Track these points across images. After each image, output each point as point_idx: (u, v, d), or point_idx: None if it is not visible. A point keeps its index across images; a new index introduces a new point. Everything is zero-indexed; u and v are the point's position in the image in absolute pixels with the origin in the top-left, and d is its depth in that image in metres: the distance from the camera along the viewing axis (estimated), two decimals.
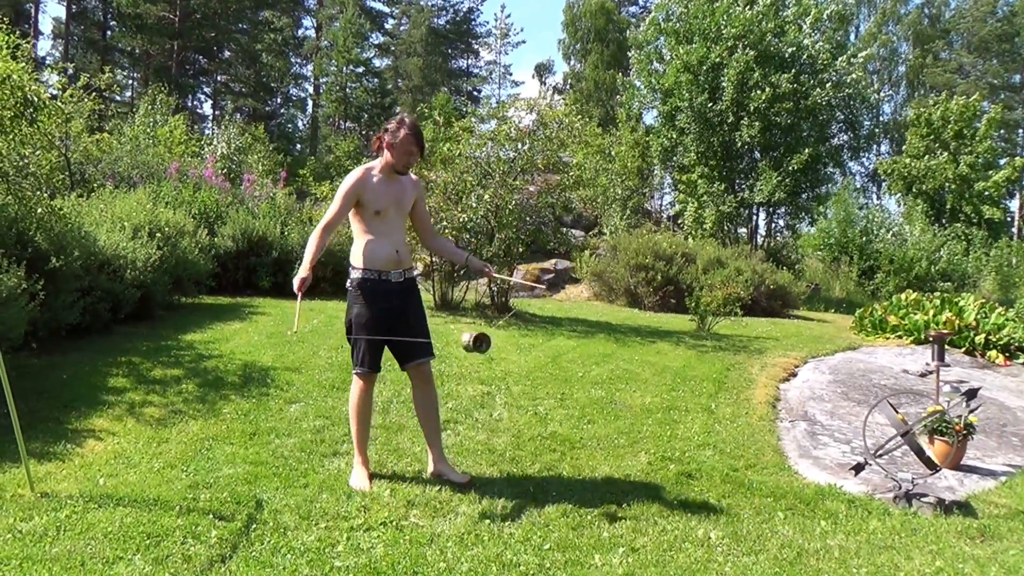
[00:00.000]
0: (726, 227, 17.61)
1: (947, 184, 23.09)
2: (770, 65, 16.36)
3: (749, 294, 11.17)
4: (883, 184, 29.52)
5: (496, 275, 4.05)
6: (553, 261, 14.72)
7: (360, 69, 35.07)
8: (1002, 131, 33.51)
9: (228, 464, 3.72)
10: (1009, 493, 4.11)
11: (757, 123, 16.23)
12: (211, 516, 3.10)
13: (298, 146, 36.82)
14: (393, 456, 3.97)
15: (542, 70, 42.53)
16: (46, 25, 47.73)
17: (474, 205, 8.66)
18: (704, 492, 3.76)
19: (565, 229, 12.45)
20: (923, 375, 6.89)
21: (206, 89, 38.75)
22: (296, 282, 3.31)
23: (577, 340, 7.71)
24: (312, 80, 39.71)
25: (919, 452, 4.09)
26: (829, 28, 17.58)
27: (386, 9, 43.96)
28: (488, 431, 4.49)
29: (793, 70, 16.24)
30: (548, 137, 9.11)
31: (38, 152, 7.32)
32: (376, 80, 36.26)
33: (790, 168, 16.33)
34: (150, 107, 16.03)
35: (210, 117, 37.88)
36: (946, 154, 23.16)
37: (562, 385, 5.70)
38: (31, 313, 4.88)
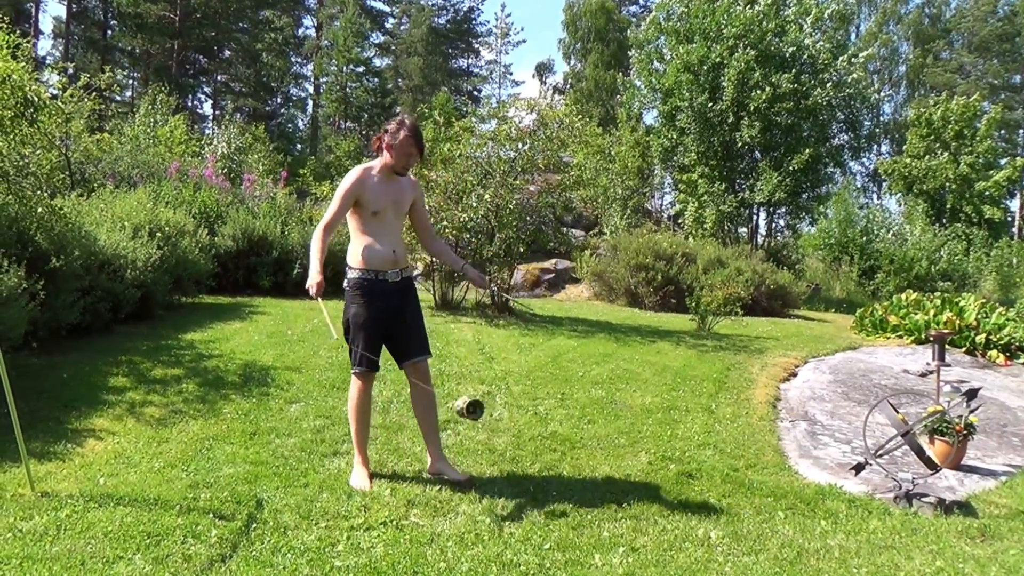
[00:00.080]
0: (726, 227, 17.61)
1: (947, 184, 23.09)
2: (771, 65, 16.36)
3: (749, 294, 11.17)
4: (883, 184, 29.54)
5: (491, 286, 4.05)
6: (553, 261, 14.71)
7: (360, 69, 35.10)
8: (1002, 131, 33.54)
9: (228, 464, 3.72)
10: (1009, 493, 4.10)
11: (757, 123, 16.22)
12: (211, 515, 3.10)
13: (298, 146, 36.83)
14: (393, 456, 3.97)
15: (542, 70, 42.57)
16: (46, 25, 47.80)
17: (474, 205, 8.66)
18: (704, 492, 3.76)
19: (565, 229, 12.46)
20: (923, 375, 6.89)
21: (206, 89, 38.78)
22: (313, 288, 3.33)
23: (577, 340, 7.71)
24: (312, 80, 39.75)
25: (919, 452, 4.09)
26: (830, 28, 17.58)
27: (386, 8, 44.04)
28: (488, 431, 4.49)
29: (794, 70, 16.23)
30: (548, 137, 9.10)
31: (38, 152, 7.32)
32: (376, 80, 36.30)
33: (790, 168, 16.33)
34: (150, 107, 16.03)
35: (210, 117, 37.93)
36: (946, 154, 23.17)
37: (562, 385, 5.70)
38: (31, 313, 4.88)
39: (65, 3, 32.16)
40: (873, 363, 7.65)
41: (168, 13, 31.89)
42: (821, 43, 16.82)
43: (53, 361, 5.35)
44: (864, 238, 18.66)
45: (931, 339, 5.11)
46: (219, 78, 37.74)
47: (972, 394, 4.46)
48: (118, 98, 31.70)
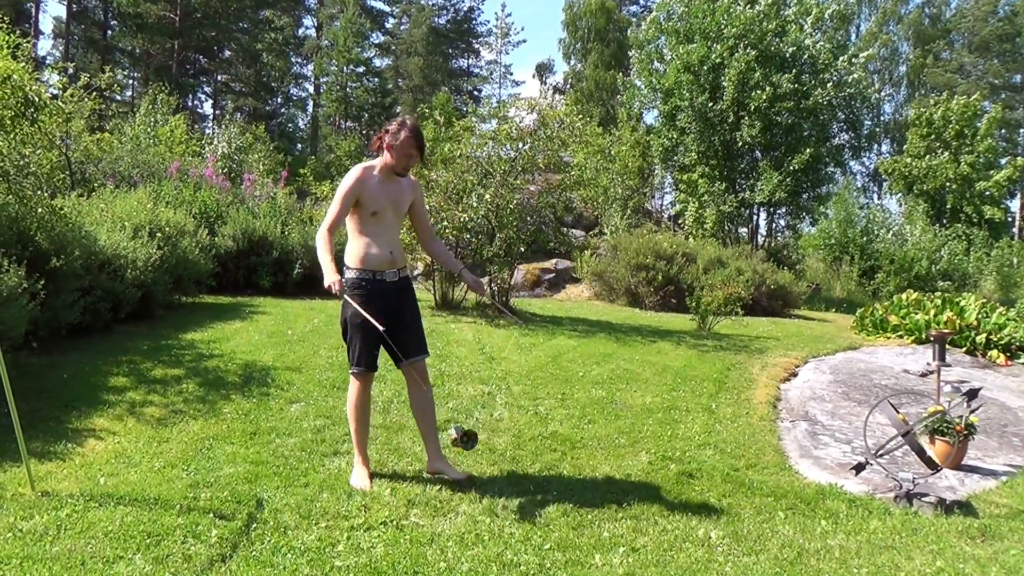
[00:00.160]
0: (727, 227, 17.62)
1: (948, 184, 23.09)
2: (771, 65, 16.35)
3: (750, 294, 11.17)
4: (884, 184, 29.53)
5: (487, 294, 4.04)
6: (554, 261, 14.72)
7: (360, 69, 35.11)
8: (1003, 131, 33.55)
9: (229, 463, 3.72)
10: (1010, 493, 4.10)
11: (758, 123, 16.22)
12: (212, 515, 3.10)
13: (299, 146, 36.83)
14: (394, 455, 3.97)
15: (543, 70, 42.56)
16: (47, 24, 47.83)
17: (475, 205, 8.66)
18: (705, 492, 3.76)
19: (566, 229, 12.44)
20: (924, 375, 6.89)
21: (206, 88, 38.77)
22: (335, 286, 3.28)
23: (578, 340, 7.71)
24: (312, 80, 39.76)
25: (920, 452, 4.09)
26: (830, 28, 17.58)
27: (387, 8, 44.02)
28: (489, 431, 4.48)
29: (794, 70, 16.23)
30: (549, 137, 9.10)
31: (39, 152, 7.32)
32: (376, 80, 36.30)
33: (791, 168, 16.33)
34: (151, 106, 16.01)
35: (211, 117, 37.91)
36: (947, 154, 23.17)
37: (563, 385, 5.70)
38: (32, 312, 4.88)
39: (65, 3, 32.17)
40: (873, 363, 7.65)
41: (168, 13, 31.88)
42: (821, 43, 16.82)
43: (53, 361, 5.35)
44: (864, 238, 18.67)
45: (931, 339, 5.11)
46: (219, 78, 37.74)
47: (973, 394, 4.46)
48: (118, 98, 31.71)
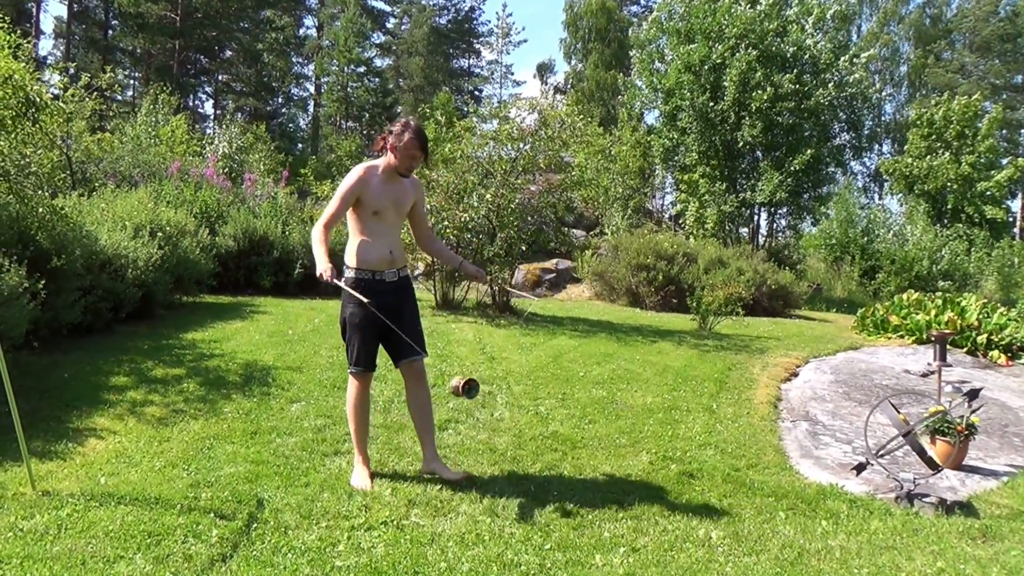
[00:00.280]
0: (727, 227, 17.62)
1: (949, 184, 23.06)
2: (772, 65, 16.35)
3: (751, 294, 11.17)
4: (885, 184, 29.52)
5: (490, 280, 4.03)
6: (554, 261, 14.72)
7: (361, 69, 35.11)
8: (1004, 131, 33.49)
9: (229, 463, 3.72)
10: (1011, 493, 4.10)
11: (759, 123, 16.22)
12: (212, 515, 3.10)
13: (299, 145, 36.84)
14: (394, 455, 3.97)
15: (543, 70, 42.59)
16: (47, 24, 47.87)
17: (476, 205, 8.66)
18: (705, 492, 3.76)
19: (566, 229, 12.45)
20: (925, 375, 6.89)
21: (207, 88, 38.78)
22: (326, 273, 3.26)
23: (578, 340, 7.71)
24: (313, 79, 39.78)
25: (921, 452, 4.09)
26: (831, 28, 17.57)
27: (387, 8, 44.02)
28: (489, 431, 4.48)
29: (795, 70, 16.23)
30: (550, 137, 9.11)
31: (40, 151, 7.31)
32: (377, 80, 36.29)
33: (792, 168, 16.33)
34: (151, 106, 16.03)
35: (211, 116, 37.93)
36: (948, 154, 23.14)
37: (563, 385, 5.70)
38: (33, 312, 4.88)
39: (66, 3, 32.19)
40: (874, 363, 7.64)
41: (169, 13, 31.90)
42: (823, 43, 16.82)
43: (54, 360, 5.36)
44: (865, 238, 18.66)
45: (932, 339, 5.11)
46: (220, 78, 37.75)
47: (973, 394, 4.45)
48: (119, 98, 31.74)
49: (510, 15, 68.87)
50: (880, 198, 35.37)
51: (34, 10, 33.18)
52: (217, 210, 9.78)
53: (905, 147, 25.64)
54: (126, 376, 5.10)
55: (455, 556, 2.88)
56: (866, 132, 19.10)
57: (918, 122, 24.26)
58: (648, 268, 12.16)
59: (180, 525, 2.99)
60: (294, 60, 40.58)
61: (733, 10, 16.59)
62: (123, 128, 14.84)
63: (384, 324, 3.51)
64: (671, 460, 4.19)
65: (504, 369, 6.02)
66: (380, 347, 3.66)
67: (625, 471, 3.98)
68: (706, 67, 16.63)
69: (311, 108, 40.68)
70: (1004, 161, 25.06)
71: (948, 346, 6.42)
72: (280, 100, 39.82)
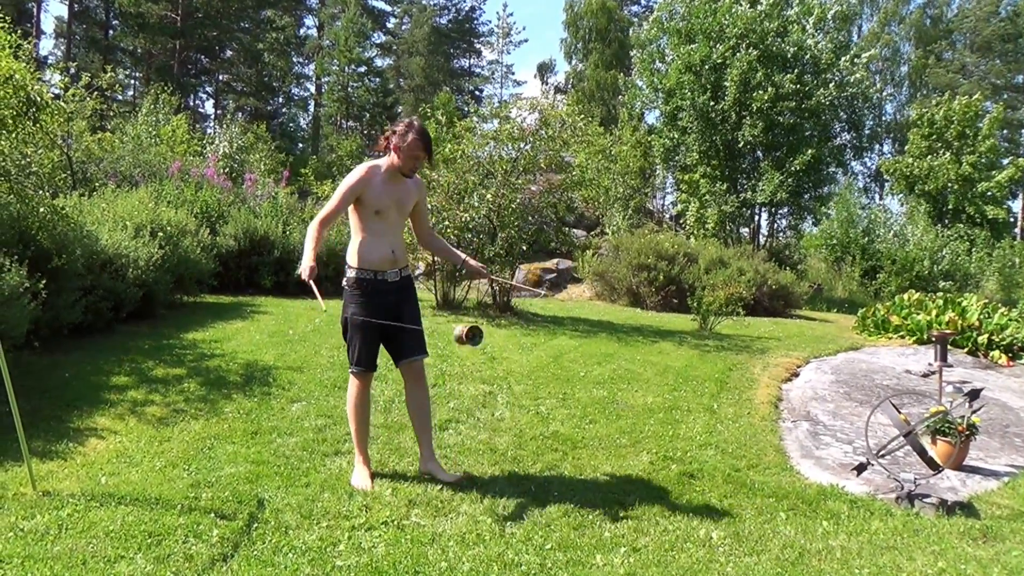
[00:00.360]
0: (728, 227, 17.62)
1: (949, 184, 23.06)
2: (773, 65, 16.35)
3: (751, 294, 11.17)
4: (886, 184, 29.51)
5: (494, 277, 4.03)
6: (555, 261, 14.72)
7: (362, 68, 35.14)
8: (1005, 131, 33.51)
9: (230, 463, 3.72)
10: (1012, 494, 4.09)
11: (760, 123, 16.22)
12: (213, 515, 3.10)
13: (300, 145, 36.84)
14: (395, 455, 3.97)
15: (544, 70, 42.59)
16: (48, 24, 47.92)
17: (476, 204, 8.66)
18: (706, 492, 3.76)
19: (567, 229, 12.45)
20: (926, 375, 6.89)
21: (208, 88, 38.80)
22: (305, 272, 3.24)
23: (579, 340, 7.71)
24: (314, 79, 39.79)
25: (922, 452, 4.08)
26: (832, 28, 17.57)
27: (388, 8, 44.05)
28: (490, 431, 4.48)
29: (796, 70, 16.23)
30: (551, 136, 9.10)
31: (40, 151, 7.32)
32: (378, 79, 36.32)
33: (793, 168, 16.33)
34: (152, 106, 16.03)
35: (212, 116, 37.96)
36: (948, 154, 23.13)
37: (564, 385, 5.70)
38: (33, 312, 4.88)
39: (67, 3, 32.20)
40: (875, 363, 7.64)
41: (170, 13, 31.91)
42: (823, 43, 16.82)
43: (55, 360, 5.36)
44: (866, 238, 18.65)
45: (933, 339, 5.11)
46: (221, 78, 37.76)
47: (974, 394, 4.45)
48: (120, 98, 31.73)
49: (510, 15, 68.83)
50: (881, 198, 35.40)
51: (35, 10, 33.21)
52: (218, 210, 9.78)
53: (906, 147, 25.64)
54: (127, 376, 5.11)
55: (456, 556, 2.88)
56: (867, 132, 19.08)
57: (919, 122, 24.26)
58: (649, 268, 12.16)
59: (181, 525, 2.99)
60: (295, 60, 40.61)
61: (734, 10, 16.59)
62: (124, 128, 14.84)
63: (385, 324, 3.51)
64: (672, 460, 4.19)
65: (505, 369, 6.02)
66: (381, 347, 3.66)
67: (626, 471, 3.97)
68: (707, 67, 16.63)
69: (312, 108, 40.72)
70: (1005, 161, 25.05)
71: (949, 346, 6.42)
72: (281, 100, 39.85)
